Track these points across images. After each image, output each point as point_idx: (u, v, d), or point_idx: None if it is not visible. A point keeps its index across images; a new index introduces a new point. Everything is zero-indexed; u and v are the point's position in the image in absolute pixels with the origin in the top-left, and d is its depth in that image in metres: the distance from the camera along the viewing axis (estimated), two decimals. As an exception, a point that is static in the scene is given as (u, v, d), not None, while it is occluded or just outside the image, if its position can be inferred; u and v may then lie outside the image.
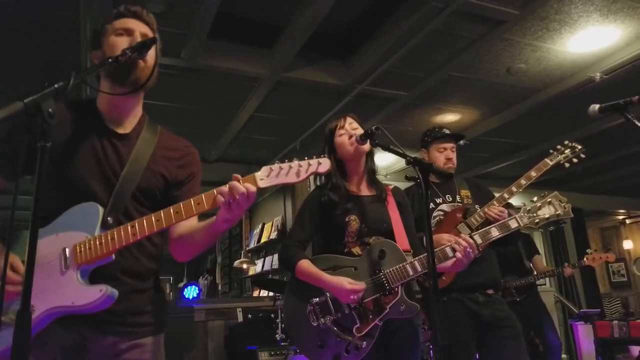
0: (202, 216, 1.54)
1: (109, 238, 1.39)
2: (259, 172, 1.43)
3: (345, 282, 2.03)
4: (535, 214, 2.23)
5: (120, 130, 1.58)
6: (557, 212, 2.23)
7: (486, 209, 2.62)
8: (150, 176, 1.56)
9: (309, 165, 1.44)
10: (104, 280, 1.37)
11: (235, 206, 1.39)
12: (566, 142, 2.78)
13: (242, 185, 1.37)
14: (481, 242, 2.17)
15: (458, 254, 2.06)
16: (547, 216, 2.22)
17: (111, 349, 1.44)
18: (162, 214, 1.42)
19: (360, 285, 2.03)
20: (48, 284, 1.36)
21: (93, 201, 1.45)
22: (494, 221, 2.65)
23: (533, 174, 2.67)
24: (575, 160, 2.73)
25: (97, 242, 1.39)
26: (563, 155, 2.73)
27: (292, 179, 1.43)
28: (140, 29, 1.56)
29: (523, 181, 2.67)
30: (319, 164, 1.45)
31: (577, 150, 2.74)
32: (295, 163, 1.44)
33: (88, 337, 1.42)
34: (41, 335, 1.35)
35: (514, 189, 2.66)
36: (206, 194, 1.43)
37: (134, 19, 1.57)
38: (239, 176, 1.41)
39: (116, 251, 1.40)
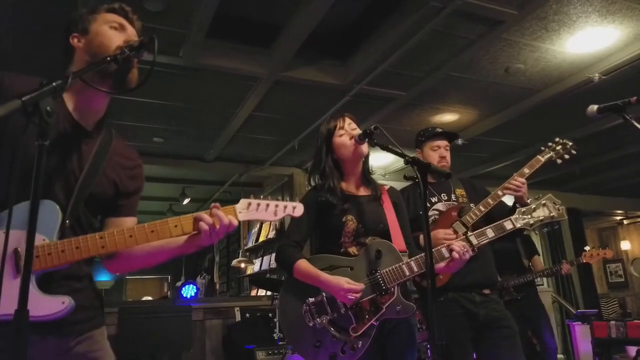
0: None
1: (73, 246, 1.32)
2: (238, 205, 1.48)
3: (343, 281, 2.03)
4: (529, 216, 2.25)
5: (85, 126, 1.50)
6: (552, 214, 2.25)
7: (506, 184, 2.63)
8: (104, 182, 1.50)
9: (285, 207, 1.56)
10: (45, 284, 1.30)
11: (214, 235, 1.40)
12: (557, 139, 2.82)
13: (226, 217, 1.39)
14: (476, 242, 2.19)
15: (455, 254, 2.07)
16: (541, 218, 2.25)
17: (56, 350, 1.38)
18: (135, 231, 1.38)
19: (359, 285, 2.04)
20: None
21: (49, 198, 1.36)
22: (490, 216, 2.68)
23: (526, 170, 2.70)
24: (566, 156, 2.77)
25: (59, 249, 1.31)
26: (554, 152, 2.77)
27: (269, 217, 1.53)
28: (131, 29, 1.55)
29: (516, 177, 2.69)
30: (294, 208, 1.59)
31: (568, 146, 2.78)
32: (272, 203, 1.53)
33: (33, 340, 1.31)
34: None
35: (508, 184, 2.67)
36: (184, 217, 1.42)
37: (124, 19, 1.55)
38: (218, 205, 1.43)
39: (79, 260, 1.34)
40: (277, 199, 1.54)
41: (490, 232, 2.23)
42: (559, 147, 2.78)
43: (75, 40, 1.51)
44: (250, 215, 1.47)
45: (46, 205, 1.34)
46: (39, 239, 1.30)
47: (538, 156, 2.76)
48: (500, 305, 2.68)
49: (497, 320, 2.59)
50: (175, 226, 1.40)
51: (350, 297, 2.01)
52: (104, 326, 1.54)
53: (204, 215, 1.39)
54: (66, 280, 1.41)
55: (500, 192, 2.67)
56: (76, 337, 1.43)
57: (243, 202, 1.47)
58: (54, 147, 1.38)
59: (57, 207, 1.36)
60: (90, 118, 1.52)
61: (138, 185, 1.64)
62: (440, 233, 2.57)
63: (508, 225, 2.24)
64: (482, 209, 2.66)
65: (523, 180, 2.63)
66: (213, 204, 1.43)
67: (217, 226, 1.38)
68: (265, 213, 1.49)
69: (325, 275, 2.08)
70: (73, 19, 1.54)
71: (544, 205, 2.26)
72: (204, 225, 1.38)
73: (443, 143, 2.92)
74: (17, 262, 1.28)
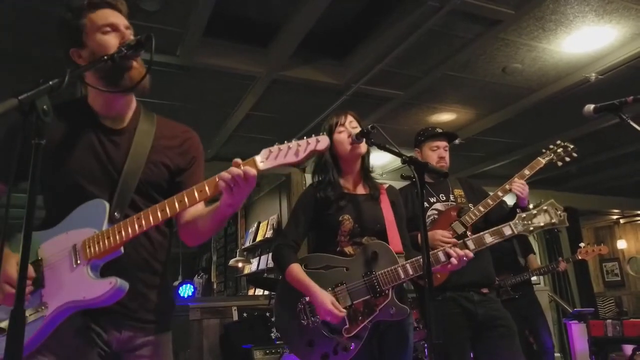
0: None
1: (116, 232, 1.41)
2: (258, 155, 1.44)
3: (328, 301, 2.02)
4: (530, 222, 2.22)
5: (116, 126, 1.58)
6: (553, 221, 2.21)
7: (508, 185, 2.66)
8: (152, 168, 1.57)
9: (308, 143, 1.44)
10: (116, 275, 1.38)
11: (237, 190, 1.39)
12: (558, 142, 2.86)
13: (241, 169, 1.38)
14: (474, 247, 2.17)
15: (453, 260, 2.06)
16: (542, 224, 2.21)
17: (127, 344, 1.47)
18: (166, 204, 1.43)
19: (341, 312, 2.02)
20: (60, 280, 1.39)
21: (98, 198, 1.47)
22: (488, 217, 2.68)
23: (526, 172, 2.72)
24: (567, 159, 2.81)
25: (105, 237, 1.40)
26: (555, 154, 2.81)
27: (291, 158, 1.43)
28: (121, 21, 1.52)
29: (516, 179, 2.71)
30: (318, 141, 1.44)
31: (569, 149, 2.82)
32: (294, 143, 1.45)
33: (104, 332, 1.45)
34: (58, 331, 1.38)
35: (507, 187, 2.69)
36: (208, 181, 1.45)
37: (109, 9, 1.52)
38: (239, 160, 1.42)
39: (124, 244, 1.42)
40: (301, 139, 1.46)
41: (488, 238, 2.20)
42: (559, 150, 2.81)
43: (76, 55, 1.52)
44: (272, 162, 1.42)
45: (92, 203, 1.47)
46: (90, 232, 1.42)
47: (539, 158, 2.79)
48: (498, 304, 2.69)
49: (496, 319, 2.59)
50: (201, 191, 1.43)
51: (328, 318, 2.01)
52: (170, 332, 1.63)
53: (223, 173, 1.40)
54: (139, 271, 1.51)
55: (500, 193, 2.68)
56: (145, 337, 1.51)
57: (264, 151, 1.45)
58: (88, 152, 1.50)
59: (103, 201, 1.46)
60: (119, 118, 1.59)
61: (191, 157, 1.71)
62: (437, 234, 2.56)
63: (507, 230, 2.21)
64: (482, 210, 2.67)
65: (523, 182, 2.65)
66: (234, 159, 1.43)
67: (234, 178, 1.38)
68: (286, 157, 1.43)
69: (313, 288, 2.07)
70: (65, 33, 1.52)
71: (545, 211, 2.22)
72: (222, 184, 1.39)
73: (442, 144, 2.92)
74: (74, 256, 1.41)
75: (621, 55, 3.97)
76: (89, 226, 1.43)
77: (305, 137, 1.45)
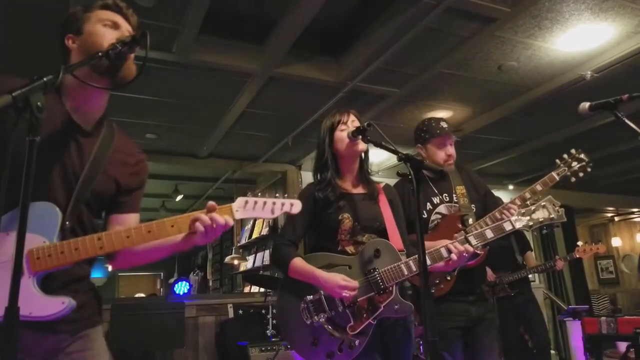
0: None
1: (72, 248, 1.33)
2: (234, 204, 1.47)
3: (339, 278, 2.03)
4: (529, 217, 2.24)
5: (84, 126, 1.50)
6: (551, 216, 2.25)
7: (506, 208, 2.52)
8: (105, 180, 1.51)
9: (283, 204, 1.55)
10: (47, 285, 1.32)
11: (211, 234, 1.41)
12: (573, 152, 2.69)
13: (222, 218, 1.40)
14: (475, 243, 2.19)
15: (453, 256, 2.08)
16: (540, 219, 2.24)
17: (52, 348, 1.40)
18: (132, 232, 1.39)
19: (354, 282, 2.03)
20: None
21: (50, 201, 1.37)
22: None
23: (538, 187, 2.61)
24: (581, 174, 2.66)
25: (59, 251, 1.32)
26: (570, 168, 2.67)
27: (266, 214, 1.52)
28: (126, 26, 1.53)
29: (528, 194, 2.61)
30: (292, 205, 1.56)
31: (584, 163, 2.67)
32: (270, 200, 1.52)
33: (27, 340, 1.32)
34: None
35: (518, 201, 2.58)
36: (181, 217, 1.43)
37: (119, 15, 1.54)
38: (215, 205, 1.43)
39: (79, 261, 1.36)
40: (276, 196, 1.54)
41: (489, 233, 2.22)
42: (574, 163, 2.66)
43: (70, 41, 1.51)
44: (247, 213, 1.47)
45: (45, 207, 1.36)
46: (40, 241, 1.32)
47: (553, 173, 2.65)
48: (484, 296, 2.71)
49: (485, 313, 2.62)
50: (172, 226, 1.41)
51: (344, 294, 2.01)
52: (100, 325, 1.55)
53: (201, 215, 1.40)
54: (67, 281, 1.42)
55: (507, 210, 2.54)
56: (72, 336, 1.44)
57: (240, 200, 1.47)
58: (52, 149, 1.40)
59: (57, 208, 1.37)
60: (89, 117, 1.52)
61: (140, 181, 1.65)
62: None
63: (507, 226, 2.24)
64: (489, 223, 2.51)
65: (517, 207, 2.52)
66: (209, 202, 1.43)
67: (214, 226, 1.39)
68: (262, 211, 1.49)
69: (320, 272, 2.07)
70: (67, 19, 1.53)
71: (543, 206, 2.26)
72: (199, 227, 1.39)
73: (450, 140, 2.83)
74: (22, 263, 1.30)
75: (617, 53, 3.98)
76: (37, 233, 1.31)
77: (279, 198, 1.55)
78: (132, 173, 1.61)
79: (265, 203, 1.49)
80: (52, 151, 1.41)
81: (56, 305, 1.30)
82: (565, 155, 2.71)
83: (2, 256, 1.28)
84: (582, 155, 2.69)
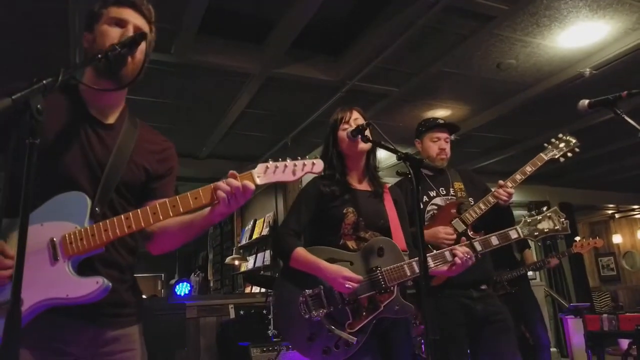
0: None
1: (102, 229, 1.37)
2: (255, 169, 1.47)
3: (343, 270, 2.02)
4: (535, 227, 2.30)
5: (105, 120, 1.55)
6: (556, 227, 2.30)
7: (495, 192, 2.60)
8: (133, 168, 1.55)
9: (304, 165, 1.51)
10: (86, 272, 1.36)
11: (233, 202, 1.41)
12: (560, 136, 2.75)
13: (240, 183, 1.40)
14: (481, 249, 2.21)
15: (457, 260, 2.08)
16: (546, 230, 2.30)
17: (95, 340, 1.43)
18: (158, 207, 1.41)
19: (358, 276, 2.02)
20: (36, 275, 1.32)
21: (78, 190, 1.42)
22: (489, 216, 2.66)
23: (528, 169, 2.66)
24: (569, 154, 2.71)
25: (89, 233, 1.37)
26: (558, 150, 2.71)
27: (288, 177, 1.49)
28: (135, 21, 1.52)
29: (518, 176, 2.65)
30: (314, 164, 1.52)
31: (571, 144, 2.72)
32: (290, 162, 1.50)
33: (70, 329, 1.40)
34: (25, 328, 1.30)
35: (510, 183, 2.64)
36: (203, 188, 1.44)
37: (131, 9, 1.53)
38: (235, 173, 1.43)
39: (109, 242, 1.40)
40: (297, 159, 1.52)
41: (495, 240, 2.26)
42: (562, 145, 2.71)
43: (85, 39, 1.54)
44: (269, 178, 1.47)
45: (73, 196, 1.41)
46: (71, 227, 1.38)
47: (541, 154, 2.70)
48: (495, 299, 2.69)
49: (494, 315, 2.59)
50: (196, 198, 1.42)
51: (347, 285, 1.98)
52: (140, 323, 1.59)
53: (221, 184, 1.41)
54: (107, 267, 1.46)
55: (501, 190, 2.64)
56: (114, 331, 1.47)
57: (261, 166, 1.48)
58: (74, 142, 1.46)
59: (84, 195, 1.42)
60: (107, 111, 1.57)
61: (169, 167, 1.69)
62: (440, 232, 2.55)
63: (513, 234, 2.28)
64: (483, 208, 2.62)
65: (512, 191, 2.60)
66: (230, 171, 1.44)
67: (233, 192, 1.40)
68: (283, 174, 1.48)
69: (324, 263, 2.06)
70: (87, 16, 1.55)
71: (549, 217, 2.31)
72: (221, 194, 1.40)
73: (443, 135, 2.89)
74: (53, 251, 1.35)
75: (615, 50, 3.98)
76: (69, 220, 1.38)
77: (299, 158, 1.52)
78: (160, 160, 1.65)
79: (286, 166, 1.48)
80: (74, 144, 1.46)
81: (90, 285, 1.33)
82: (553, 139, 2.76)
83: (38, 244, 1.35)
84: (569, 137, 2.74)
